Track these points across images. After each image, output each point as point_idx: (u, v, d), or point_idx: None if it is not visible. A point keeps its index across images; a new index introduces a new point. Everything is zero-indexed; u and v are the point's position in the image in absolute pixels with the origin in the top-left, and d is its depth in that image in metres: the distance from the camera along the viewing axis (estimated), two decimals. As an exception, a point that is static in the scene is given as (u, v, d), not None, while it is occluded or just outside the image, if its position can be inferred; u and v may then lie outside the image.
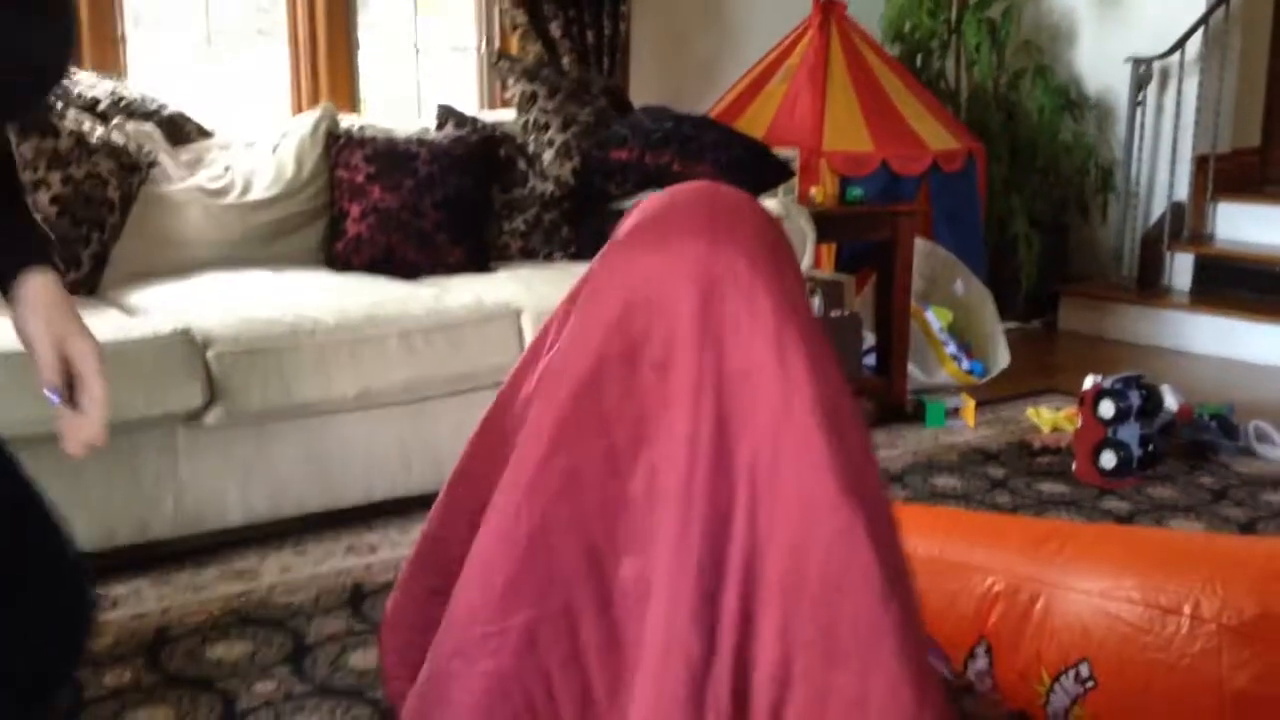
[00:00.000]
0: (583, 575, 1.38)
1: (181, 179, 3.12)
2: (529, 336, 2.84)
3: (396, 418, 2.72)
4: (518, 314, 2.86)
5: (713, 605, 1.32)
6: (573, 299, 1.56)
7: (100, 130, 2.90)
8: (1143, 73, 4.88)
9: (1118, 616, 1.68)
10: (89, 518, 2.41)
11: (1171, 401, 3.42)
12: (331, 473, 2.66)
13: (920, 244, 4.03)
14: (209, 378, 2.48)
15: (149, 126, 3.14)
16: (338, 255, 3.15)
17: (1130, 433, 3.09)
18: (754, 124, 4.15)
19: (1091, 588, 1.74)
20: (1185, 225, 5.00)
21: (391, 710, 1.90)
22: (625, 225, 1.52)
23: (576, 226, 3.45)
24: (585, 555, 1.39)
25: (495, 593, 1.41)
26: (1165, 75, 4.98)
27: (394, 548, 2.66)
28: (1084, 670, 1.71)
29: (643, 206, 1.52)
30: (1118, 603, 1.69)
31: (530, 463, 1.42)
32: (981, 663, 1.89)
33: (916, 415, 3.73)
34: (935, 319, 4.08)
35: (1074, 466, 3.17)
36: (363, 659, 2.14)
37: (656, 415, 1.36)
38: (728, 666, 1.31)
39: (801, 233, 3.26)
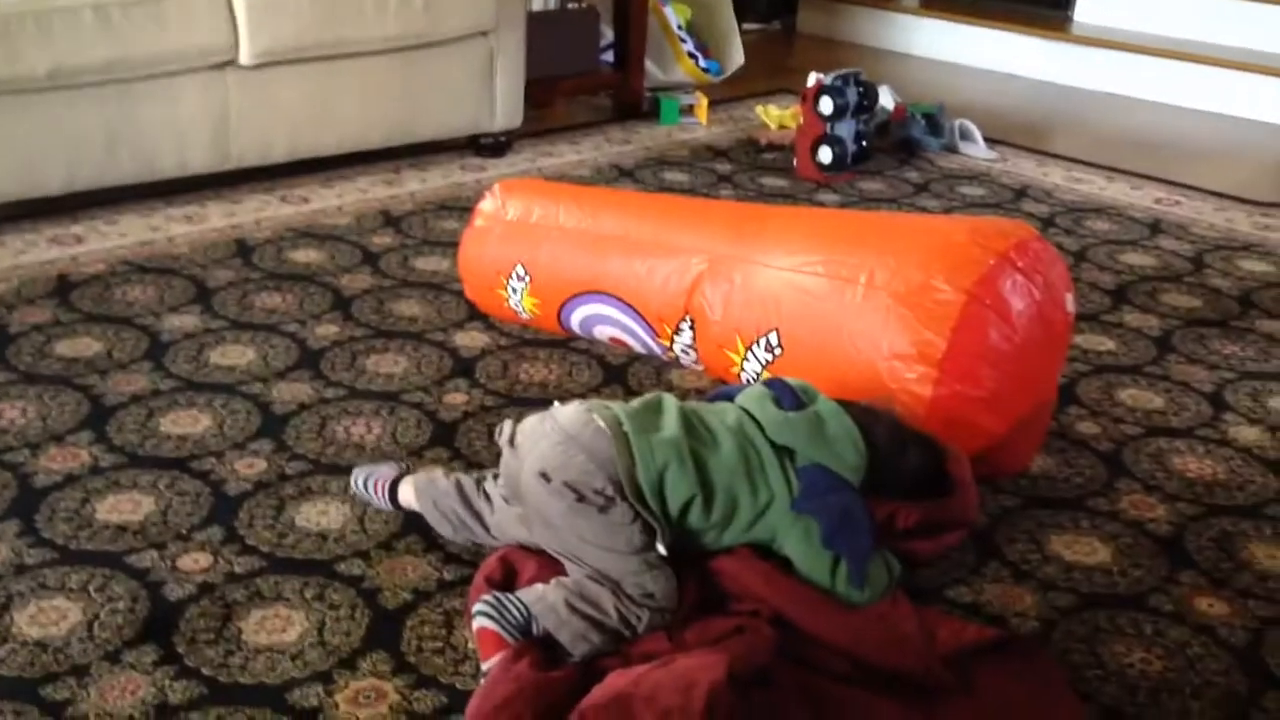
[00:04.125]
0: None
1: None
2: (241, 14, 2.67)
3: (99, 100, 2.54)
4: (227, -11, 2.67)
5: None
6: None
7: None
8: None
9: (804, 288, 1.81)
10: None
11: (888, 100, 3.58)
12: (28, 159, 2.48)
13: (660, -65, 3.95)
14: None
15: None
16: (18, -82, 2.82)
17: (846, 129, 3.23)
18: None
19: (784, 264, 1.86)
20: (920, -72, 5.08)
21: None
22: None
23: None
24: None
25: None
26: None
27: (102, 239, 2.55)
28: (773, 339, 1.85)
29: None
30: (805, 276, 1.82)
31: None
32: (686, 336, 2.02)
33: (652, 112, 3.77)
34: (674, 16, 4.06)
35: (795, 162, 3.31)
36: (70, 347, 2.09)
37: None
38: None
39: (536, -85, 3.13)
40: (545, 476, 1.44)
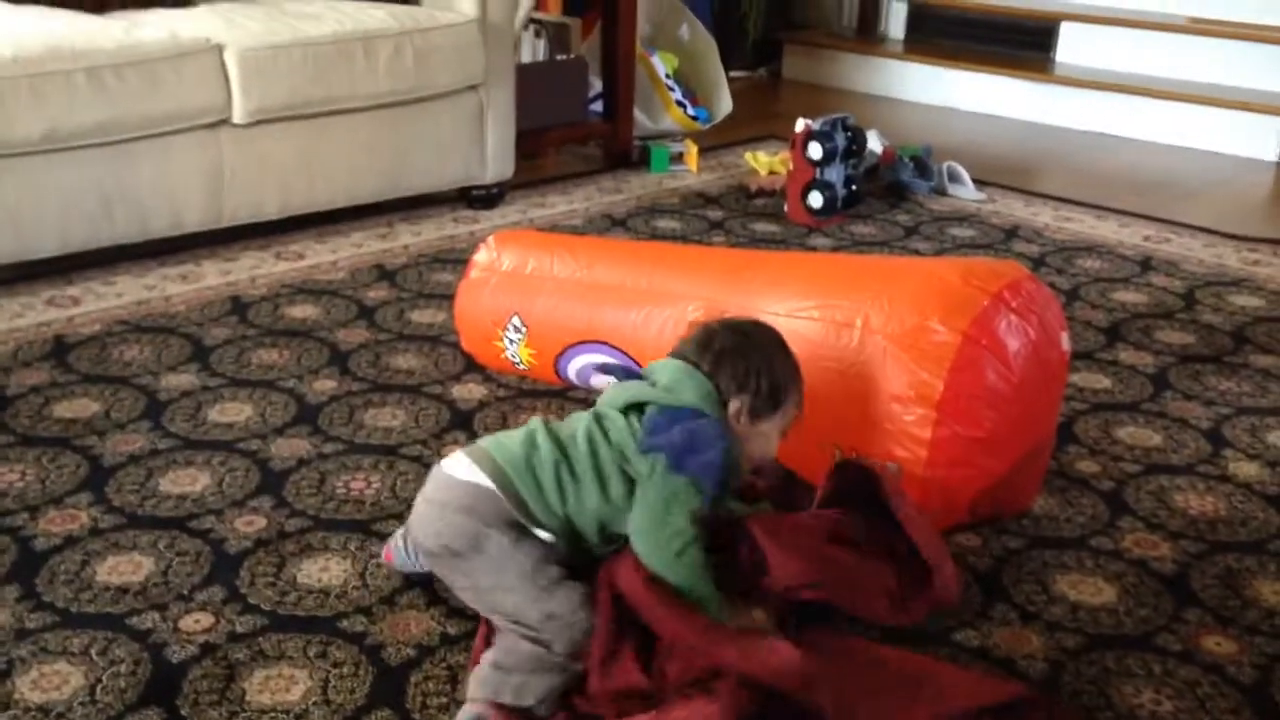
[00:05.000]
0: None
1: None
2: (234, 74, 2.70)
3: (93, 162, 2.55)
4: (219, 50, 2.69)
5: None
6: None
7: None
8: None
9: (799, 334, 1.81)
10: None
11: (876, 144, 3.61)
12: (22, 221, 2.49)
13: (646, -13, 4.00)
14: None
15: None
16: (12, -16, 2.85)
17: (836, 174, 3.25)
18: None
19: (779, 309, 1.87)
20: (901, -26, 5.15)
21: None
22: None
23: (284, -42, 3.23)
24: None
25: None
26: None
27: (98, 299, 2.56)
28: (771, 384, 1.85)
29: None
30: (800, 321, 1.82)
31: None
32: (683, 384, 2.02)
33: (641, 160, 3.80)
34: (661, 65, 4.10)
35: (785, 207, 3.33)
36: (68, 409, 2.09)
37: None
38: None
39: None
40: (429, 553, 1.51)
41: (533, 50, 3.73)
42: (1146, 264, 3.05)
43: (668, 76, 4.10)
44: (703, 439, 1.49)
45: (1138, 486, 1.97)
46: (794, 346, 1.82)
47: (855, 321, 1.76)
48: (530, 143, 3.49)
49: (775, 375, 1.59)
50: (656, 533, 1.45)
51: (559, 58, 3.78)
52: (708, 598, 1.45)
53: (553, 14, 3.99)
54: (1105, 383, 2.35)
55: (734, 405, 1.55)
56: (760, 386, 1.57)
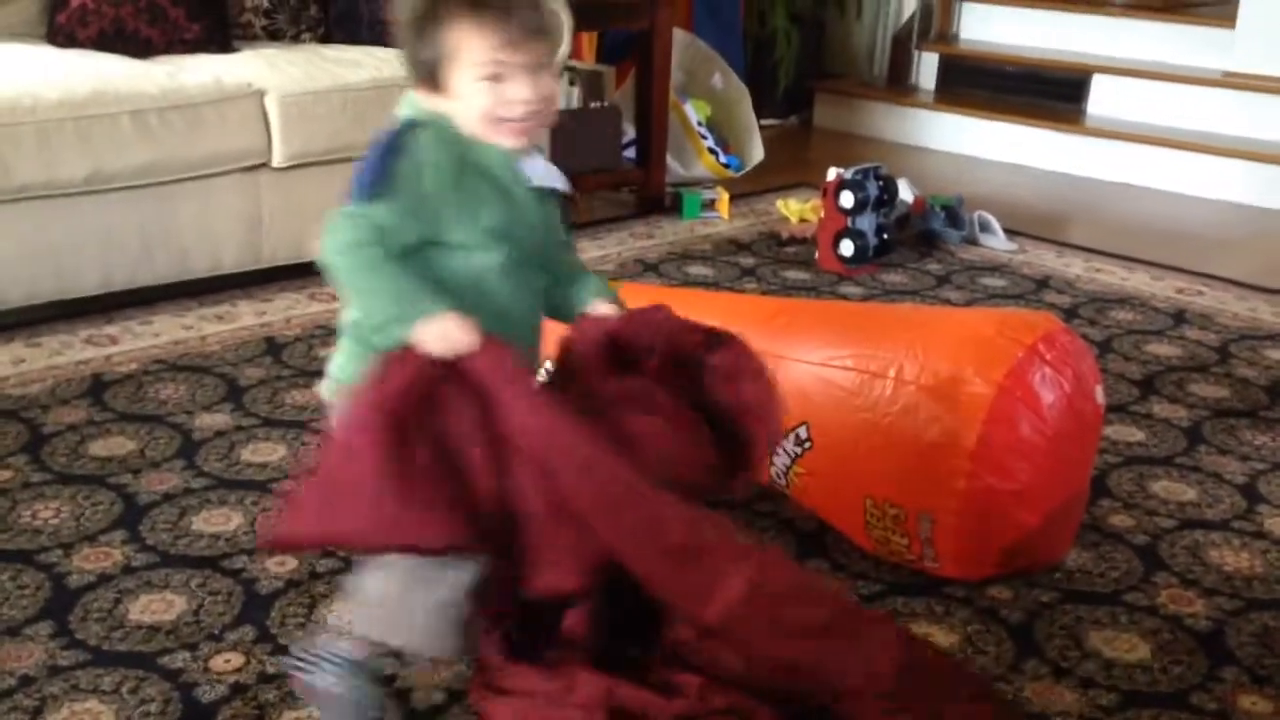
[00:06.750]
0: None
1: None
2: (275, 119, 2.74)
3: (135, 202, 2.60)
4: (261, 95, 2.74)
5: None
6: None
7: None
8: None
9: (833, 382, 1.82)
10: None
11: (907, 194, 3.62)
12: (64, 261, 2.53)
13: (679, 36, 4.04)
14: (-85, 157, 2.29)
15: None
16: (60, 28, 2.91)
17: (867, 223, 3.26)
18: (514, -97, 3.99)
19: (813, 358, 1.87)
20: (932, 25, 5.18)
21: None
22: None
23: (325, 5, 3.29)
24: None
25: None
26: (922, -127, 5.05)
27: (135, 338, 2.59)
28: (803, 433, 1.85)
29: None
30: (834, 370, 1.82)
31: None
32: (715, 431, 2.02)
33: (674, 207, 3.82)
34: (694, 112, 4.13)
35: (816, 255, 3.34)
36: (103, 447, 2.11)
37: None
38: None
39: (559, 19, 3.20)
40: None
41: (567, 97, 3.77)
42: (1180, 316, 3.03)
43: (700, 124, 4.13)
44: (371, 151, 1.30)
45: (1172, 541, 1.95)
46: (827, 395, 1.83)
47: (889, 372, 1.76)
48: (563, 188, 3.51)
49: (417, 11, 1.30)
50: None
51: (593, 105, 3.82)
52: (396, 293, 1.28)
53: (587, 62, 4.03)
54: (1139, 436, 2.34)
55: (415, 85, 1.32)
56: (409, 42, 1.32)
